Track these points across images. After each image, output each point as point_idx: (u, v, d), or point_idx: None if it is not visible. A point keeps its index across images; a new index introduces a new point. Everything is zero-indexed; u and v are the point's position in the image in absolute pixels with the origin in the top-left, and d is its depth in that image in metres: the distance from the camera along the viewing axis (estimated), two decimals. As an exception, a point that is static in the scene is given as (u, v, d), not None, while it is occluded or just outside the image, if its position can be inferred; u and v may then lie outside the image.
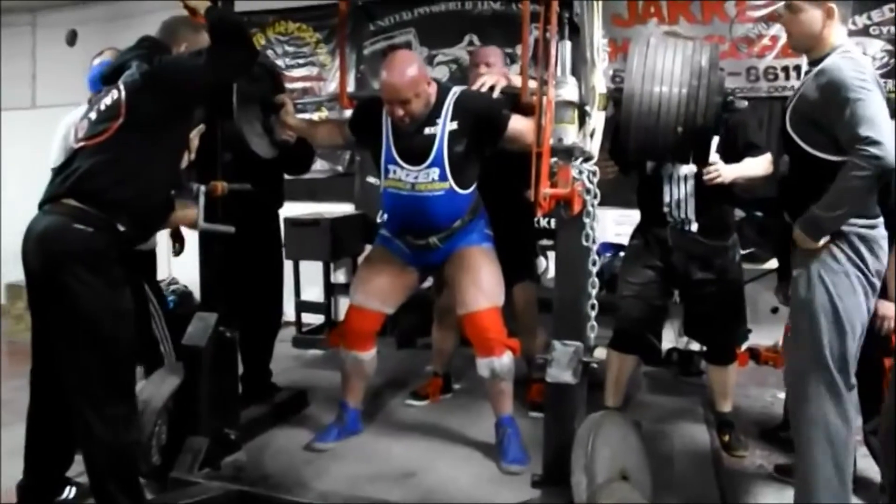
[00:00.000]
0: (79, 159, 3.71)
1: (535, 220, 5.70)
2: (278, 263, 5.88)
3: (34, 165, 5.26)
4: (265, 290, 5.64)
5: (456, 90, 4.63)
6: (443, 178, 4.49)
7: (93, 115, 3.82)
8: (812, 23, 3.62)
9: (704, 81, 3.40)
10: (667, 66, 3.42)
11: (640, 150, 3.63)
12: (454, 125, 4.49)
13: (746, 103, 4.01)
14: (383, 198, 4.76)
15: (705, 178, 4.54)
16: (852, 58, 3.53)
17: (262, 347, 5.76)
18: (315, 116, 7.26)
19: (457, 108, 4.52)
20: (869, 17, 6.63)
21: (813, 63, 3.69)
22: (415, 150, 4.52)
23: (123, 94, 3.74)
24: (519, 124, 4.42)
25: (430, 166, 4.49)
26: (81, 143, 3.76)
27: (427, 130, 4.51)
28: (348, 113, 5.10)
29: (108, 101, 3.79)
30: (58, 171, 3.83)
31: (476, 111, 4.54)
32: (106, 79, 3.98)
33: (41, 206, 3.75)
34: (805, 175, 3.66)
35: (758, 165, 4.63)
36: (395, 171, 4.58)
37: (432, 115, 4.52)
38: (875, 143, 3.25)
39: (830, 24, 3.60)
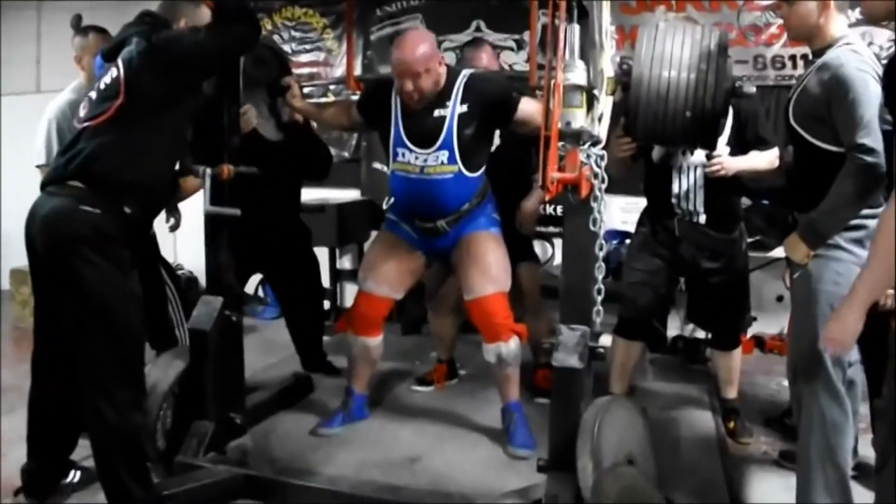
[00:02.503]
0: (83, 140, 3.67)
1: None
2: (309, 244, 6.01)
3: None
4: (303, 270, 5.86)
5: (466, 73, 4.62)
6: (451, 161, 4.47)
7: (93, 94, 3.79)
8: (808, 14, 3.63)
9: (713, 66, 3.38)
10: (675, 51, 3.40)
11: (648, 134, 3.63)
12: (464, 108, 4.47)
13: (755, 89, 4.00)
14: (391, 181, 4.75)
15: (708, 170, 4.53)
16: (855, 51, 3.52)
17: (313, 327, 6.02)
18: (322, 101, 7.24)
19: (467, 91, 4.50)
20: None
21: (816, 54, 3.70)
22: (424, 132, 4.50)
23: (122, 72, 3.70)
24: (529, 107, 4.42)
25: (439, 149, 4.47)
26: (85, 124, 3.71)
27: (437, 113, 4.49)
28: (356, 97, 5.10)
29: (107, 79, 3.75)
30: (62, 152, 3.79)
31: (486, 94, 4.53)
32: (106, 56, 3.92)
33: (44, 187, 3.73)
34: (810, 165, 3.66)
35: (763, 159, 4.59)
36: (403, 155, 4.56)
37: (442, 98, 4.50)
38: (869, 150, 3.29)
39: (827, 14, 3.60)
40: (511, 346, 4.63)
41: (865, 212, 3.48)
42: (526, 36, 7.23)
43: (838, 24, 3.63)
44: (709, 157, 4.52)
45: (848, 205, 3.43)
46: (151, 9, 4.01)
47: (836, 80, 3.43)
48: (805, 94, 3.62)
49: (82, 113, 3.79)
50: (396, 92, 4.55)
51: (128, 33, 3.87)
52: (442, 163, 4.48)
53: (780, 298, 6.48)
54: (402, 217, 4.85)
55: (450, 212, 4.62)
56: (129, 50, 3.75)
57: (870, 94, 3.34)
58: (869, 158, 3.28)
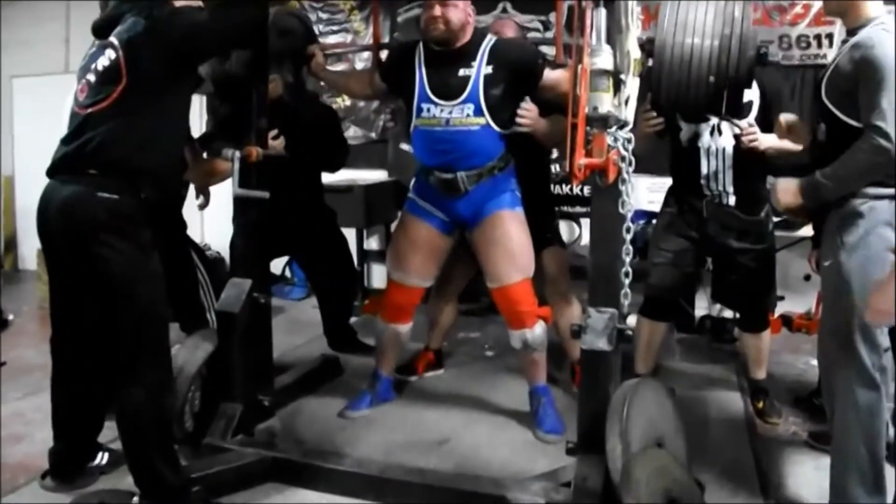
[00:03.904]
0: (90, 127, 3.58)
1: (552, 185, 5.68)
2: (335, 223, 6.06)
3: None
4: (332, 249, 5.96)
5: (492, 37, 4.61)
6: (478, 113, 4.43)
7: (91, 77, 3.67)
8: None
9: (737, 33, 3.37)
10: (699, 18, 3.39)
11: (671, 102, 3.60)
12: (489, 69, 4.45)
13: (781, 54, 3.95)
14: (414, 139, 4.69)
15: (743, 138, 4.54)
16: (888, 31, 3.50)
17: (342, 304, 6.12)
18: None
19: (492, 54, 4.48)
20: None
21: (850, 32, 3.68)
22: (449, 87, 4.48)
23: (121, 53, 3.59)
24: (554, 73, 4.44)
25: (464, 102, 4.44)
26: (88, 110, 3.62)
27: (462, 72, 4.46)
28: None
29: (105, 61, 3.63)
30: (68, 139, 3.68)
31: (512, 59, 4.52)
32: (97, 31, 3.82)
33: (53, 173, 3.68)
34: (841, 142, 3.62)
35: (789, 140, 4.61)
36: (428, 110, 4.52)
37: (467, 58, 4.48)
38: (885, 134, 3.28)
39: None
40: (537, 331, 4.62)
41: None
42: (552, 17, 7.21)
43: (874, 3, 3.61)
44: (737, 137, 4.52)
45: (854, 177, 3.43)
46: None
47: (867, 60, 3.41)
48: (837, 71, 3.60)
49: (81, 97, 3.69)
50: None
51: (120, 10, 3.75)
52: (468, 115, 4.44)
53: (807, 277, 6.43)
54: (423, 178, 4.78)
55: (473, 165, 4.54)
56: (125, 29, 3.65)
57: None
58: (884, 142, 3.27)
